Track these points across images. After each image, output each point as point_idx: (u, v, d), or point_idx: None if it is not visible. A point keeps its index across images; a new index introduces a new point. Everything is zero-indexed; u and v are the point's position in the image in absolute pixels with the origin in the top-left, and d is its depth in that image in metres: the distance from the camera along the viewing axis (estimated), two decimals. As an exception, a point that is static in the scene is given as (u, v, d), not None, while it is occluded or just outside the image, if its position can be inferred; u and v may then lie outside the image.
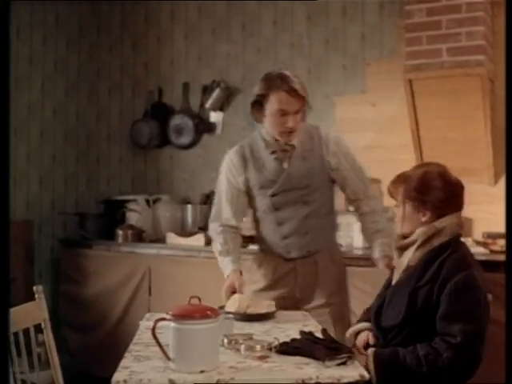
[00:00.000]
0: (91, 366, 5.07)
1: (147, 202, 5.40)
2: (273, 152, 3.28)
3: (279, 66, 5.18)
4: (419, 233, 2.72)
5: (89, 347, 5.16)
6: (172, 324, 2.11)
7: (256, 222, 3.44)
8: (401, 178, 2.81)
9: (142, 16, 5.92)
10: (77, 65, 5.98)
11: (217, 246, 3.38)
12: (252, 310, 2.94)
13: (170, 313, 2.12)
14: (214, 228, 3.42)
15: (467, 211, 4.43)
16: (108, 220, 5.42)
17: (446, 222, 2.71)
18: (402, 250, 2.81)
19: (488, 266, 3.67)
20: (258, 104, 3.19)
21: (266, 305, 3.00)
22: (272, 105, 3.15)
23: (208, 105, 5.39)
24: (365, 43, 4.91)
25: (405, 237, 2.80)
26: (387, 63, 4.78)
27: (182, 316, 2.10)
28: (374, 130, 4.81)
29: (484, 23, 4.04)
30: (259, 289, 3.34)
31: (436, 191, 2.70)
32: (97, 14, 6.04)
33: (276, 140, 3.25)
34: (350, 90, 4.97)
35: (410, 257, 2.73)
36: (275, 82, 3.14)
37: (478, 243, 4.18)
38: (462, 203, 2.81)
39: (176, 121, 5.62)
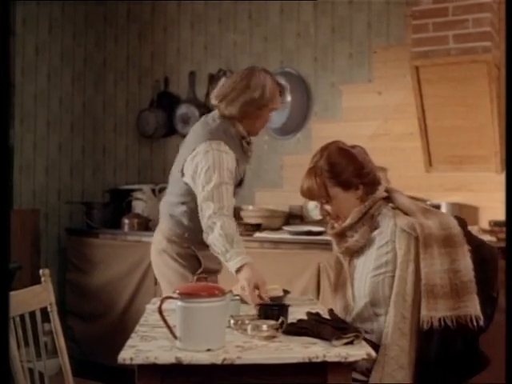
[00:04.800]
0: (98, 355, 5.07)
1: (153, 191, 5.39)
2: (245, 152, 3.22)
3: (285, 55, 5.24)
4: (353, 215, 2.64)
5: (95, 336, 5.17)
6: (179, 302, 2.11)
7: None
8: (310, 174, 2.69)
9: (148, 6, 5.91)
10: (83, 55, 5.98)
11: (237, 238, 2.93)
12: (273, 294, 2.92)
13: (177, 291, 2.12)
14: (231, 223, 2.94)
15: (474, 199, 4.48)
16: (114, 209, 5.43)
17: (375, 199, 2.67)
18: (340, 236, 2.71)
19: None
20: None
21: (275, 288, 2.99)
22: (275, 103, 3.17)
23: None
24: (371, 31, 4.89)
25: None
26: (394, 51, 4.76)
27: (189, 294, 2.10)
28: (380, 119, 4.80)
29: (491, 10, 4.03)
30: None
31: (349, 163, 2.67)
32: (103, 4, 6.04)
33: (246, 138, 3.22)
34: (356, 78, 4.96)
35: (357, 238, 2.65)
36: (279, 86, 3.23)
37: (484, 231, 4.17)
38: (375, 166, 2.77)
39: (182, 110, 5.61)
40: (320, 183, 2.65)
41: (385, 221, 2.61)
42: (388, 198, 2.71)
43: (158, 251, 3.29)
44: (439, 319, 2.36)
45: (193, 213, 3.11)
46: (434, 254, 2.43)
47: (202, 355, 2.05)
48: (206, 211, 2.93)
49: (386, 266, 2.53)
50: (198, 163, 3.03)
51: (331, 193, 2.65)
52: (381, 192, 2.69)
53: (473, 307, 2.38)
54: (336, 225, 2.74)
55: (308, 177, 2.69)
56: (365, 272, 2.61)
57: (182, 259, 3.22)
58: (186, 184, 3.14)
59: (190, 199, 3.14)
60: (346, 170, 2.65)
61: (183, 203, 3.19)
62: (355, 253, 2.69)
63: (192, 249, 3.21)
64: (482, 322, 2.40)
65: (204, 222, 2.94)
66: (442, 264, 2.41)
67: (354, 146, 2.75)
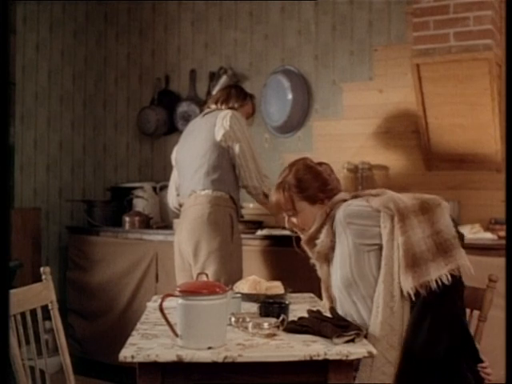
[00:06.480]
0: (98, 353, 5.08)
1: (154, 188, 5.40)
2: None
3: (286, 53, 5.23)
4: (317, 219, 2.76)
5: (96, 334, 5.17)
6: (180, 300, 2.11)
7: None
8: (278, 189, 2.86)
9: (149, 4, 5.91)
10: (84, 53, 5.98)
11: None
12: (272, 292, 2.97)
13: (178, 289, 2.12)
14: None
15: (474, 197, 4.47)
16: (115, 207, 5.43)
17: (334, 200, 2.77)
18: (310, 242, 2.82)
19: (496, 251, 3.69)
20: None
21: (276, 286, 3.02)
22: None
23: (215, 92, 5.37)
24: (372, 29, 4.88)
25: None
26: (394, 49, 4.75)
27: (190, 292, 2.10)
28: (381, 117, 4.79)
29: (492, 7, 4.01)
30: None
31: (315, 180, 2.82)
32: (104, 2, 6.04)
33: None
34: (357, 76, 4.95)
35: (322, 239, 2.74)
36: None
37: (485, 229, 4.17)
38: (339, 184, 2.89)
39: (183, 108, 5.61)
40: (287, 197, 2.83)
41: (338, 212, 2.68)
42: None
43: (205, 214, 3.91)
44: (436, 280, 2.38)
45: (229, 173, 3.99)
46: (413, 224, 2.48)
47: (203, 353, 2.05)
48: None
49: (348, 250, 2.60)
50: (233, 124, 3.94)
51: (298, 206, 2.82)
52: (340, 196, 2.80)
53: (461, 258, 2.43)
54: (302, 235, 2.88)
55: (277, 191, 2.88)
56: (335, 268, 2.68)
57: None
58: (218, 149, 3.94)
59: (223, 161, 3.97)
60: (311, 186, 2.81)
61: (219, 167, 3.95)
62: (327, 259, 2.77)
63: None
64: (473, 271, 2.45)
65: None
66: (424, 231, 2.47)
67: (320, 164, 2.92)
